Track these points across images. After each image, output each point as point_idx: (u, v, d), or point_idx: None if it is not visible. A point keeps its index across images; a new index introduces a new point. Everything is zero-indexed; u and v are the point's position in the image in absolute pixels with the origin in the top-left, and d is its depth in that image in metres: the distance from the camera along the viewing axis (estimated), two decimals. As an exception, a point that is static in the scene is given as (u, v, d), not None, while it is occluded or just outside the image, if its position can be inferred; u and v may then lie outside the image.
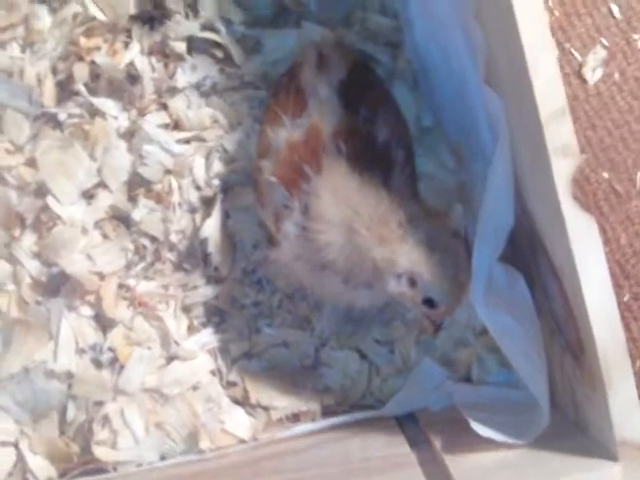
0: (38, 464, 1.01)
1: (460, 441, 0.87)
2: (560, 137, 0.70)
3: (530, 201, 0.82)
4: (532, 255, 0.86)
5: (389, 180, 0.86)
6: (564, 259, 0.74)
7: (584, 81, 1.00)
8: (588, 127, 1.00)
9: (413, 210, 0.85)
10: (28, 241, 1.02)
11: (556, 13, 0.99)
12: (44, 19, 1.02)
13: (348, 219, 0.84)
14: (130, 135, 1.02)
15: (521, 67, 0.70)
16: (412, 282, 0.84)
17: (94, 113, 1.02)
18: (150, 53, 1.03)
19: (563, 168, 0.70)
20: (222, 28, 1.01)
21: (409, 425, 0.98)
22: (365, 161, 0.86)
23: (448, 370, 1.03)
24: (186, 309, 1.03)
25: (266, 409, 1.03)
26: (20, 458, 1.01)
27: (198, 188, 1.02)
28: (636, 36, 1.01)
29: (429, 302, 0.85)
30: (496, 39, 0.78)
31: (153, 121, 1.02)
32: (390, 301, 0.94)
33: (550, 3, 0.99)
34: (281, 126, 0.89)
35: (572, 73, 1.00)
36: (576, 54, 1.00)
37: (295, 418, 1.03)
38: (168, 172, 1.02)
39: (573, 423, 0.87)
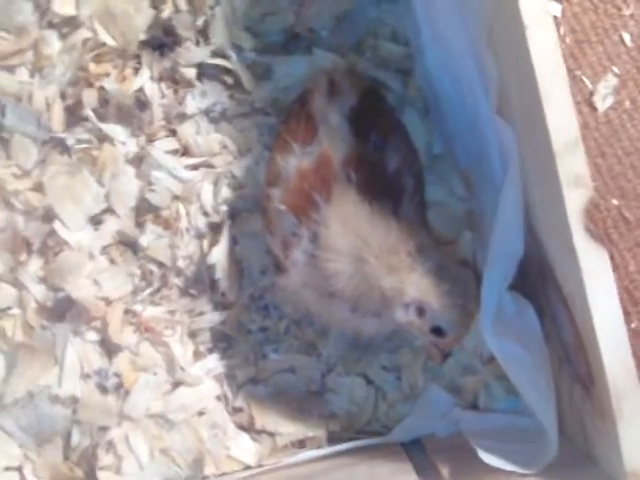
0: (42, 489, 1.00)
1: (467, 468, 0.86)
2: (573, 168, 0.70)
3: (540, 231, 0.82)
4: (542, 284, 0.86)
5: (398, 208, 0.86)
6: (575, 289, 0.74)
7: (594, 109, 1.00)
8: (598, 155, 1.00)
9: (422, 239, 0.85)
10: (34, 266, 1.02)
11: (567, 40, 0.99)
12: (53, 44, 1.02)
13: (357, 248, 0.84)
14: (138, 161, 1.02)
15: (534, 97, 0.70)
16: (420, 311, 0.84)
17: (102, 139, 1.02)
18: (160, 79, 1.03)
19: (575, 199, 0.70)
20: (232, 54, 1.01)
21: (416, 452, 0.98)
22: (375, 190, 0.86)
23: (455, 397, 1.02)
24: (192, 335, 1.02)
25: (272, 435, 1.02)
26: (24, 483, 1.01)
27: (206, 214, 1.02)
28: (648, 64, 1.01)
29: (437, 331, 0.85)
30: (508, 68, 0.78)
31: (162, 147, 1.02)
32: (398, 329, 0.93)
33: (562, 31, 0.99)
34: (291, 153, 0.88)
35: (583, 101, 1.00)
36: (587, 82, 1.00)
37: (301, 444, 1.02)
38: (176, 198, 1.02)
39: (582, 453, 0.86)
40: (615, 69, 1.01)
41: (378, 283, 0.83)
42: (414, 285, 0.83)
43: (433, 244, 0.86)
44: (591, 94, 1.01)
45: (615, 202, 1.01)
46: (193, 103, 1.02)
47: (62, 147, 1.02)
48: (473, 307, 0.85)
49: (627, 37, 1.02)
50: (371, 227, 0.84)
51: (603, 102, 1.01)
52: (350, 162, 0.86)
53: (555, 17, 0.95)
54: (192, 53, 1.01)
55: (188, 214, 1.02)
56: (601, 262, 0.71)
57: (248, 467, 1.02)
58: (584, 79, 1.01)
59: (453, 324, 0.84)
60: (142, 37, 1.02)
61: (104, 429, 1.00)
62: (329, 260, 0.84)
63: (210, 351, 1.03)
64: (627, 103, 1.01)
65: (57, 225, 1.01)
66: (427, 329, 0.85)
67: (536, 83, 0.70)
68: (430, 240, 0.87)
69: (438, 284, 0.83)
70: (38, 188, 1.02)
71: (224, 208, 1.02)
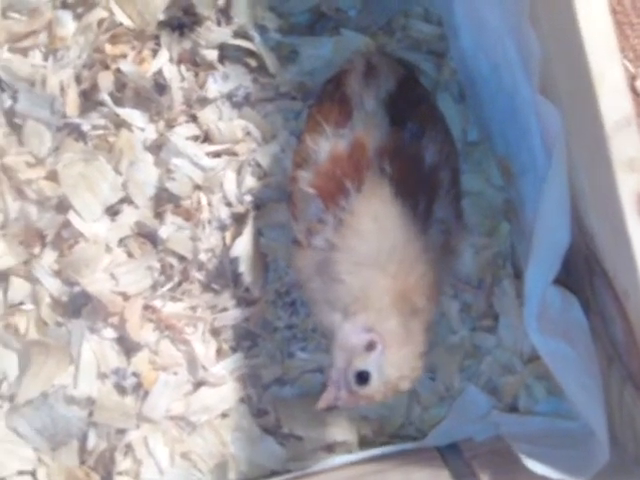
0: (57, 494, 0.98)
1: (507, 475, 0.85)
2: (626, 150, 0.65)
3: (589, 220, 0.78)
4: (588, 278, 0.82)
5: (432, 205, 0.83)
6: (628, 281, 0.70)
7: (637, 94, 0.96)
8: (640, 141, 0.96)
9: (434, 284, 0.82)
10: (48, 259, 0.99)
11: (608, 22, 0.95)
12: (68, 25, 1.00)
13: (377, 250, 0.80)
14: (157, 148, 0.99)
15: (583, 74, 0.66)
16: (371, 346, 0.79)
17: (119, 124, 1.00)
18: (179, 61, 1.00)
19: (629, 183, 0.65)
20: (256, 35, 0.99)
21: (452, 457, 0.95)
22: (409, 185, 0.82)
23: (493, 398, 0.99)
24: (215, 332, 1.00)
25: (299, 439, 0.99)
26: (38, 487, 0.99)
27: (229, 204, 0.99)
28: (691, 46, 0.97)
29: (362, 377, 0.80)
30: (553, 45, 0.74)
31: (182, 133, 0.99)
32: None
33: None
34: (322, 135, 0.85)
35: (625, 86, 0.96)
36: (629, 65, 0.96)
37: (330, 449, 0.99)
38: (197, 187, 0.99)
39: (633, 458, 0.83)
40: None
41: (371, 293, 0.80)
42: (393, 324, 0.79)
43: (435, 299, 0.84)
44: (633, 79, 0.97)
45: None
46: (214, 87, 1.00)
47: (77, 133, 1.00)
48: (405, 387, 0.81)
49: (671, 18, 0.97)
50: (399, 234, 0.81)
51: (646, 86, 0.97)
52: (385, 152, 0.83)
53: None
54: (213, 34, 0.99)
55: (210, 204, 0.99)
56: (659, 252, 0.67)
57: (274, 473, 0.99)
58: (626, 63, 0.97)
59: (382, 384, 0.80)
60: (161, 17, 0.99)
61: (122, 432, 0.98)
62: (346, 242, 0.81)
63: (234, 350, 1.00)
64: (671, 88, 0.97)
65: (72, 216, 0.98)
66: (357, 366, 0.80)
67: (587, 59, 0.65)
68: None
69: (406, 342, 0.80)
70: (52, 177, 0.99)
71: (248, 198, 0.99)
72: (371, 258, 0.80)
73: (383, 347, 0.79)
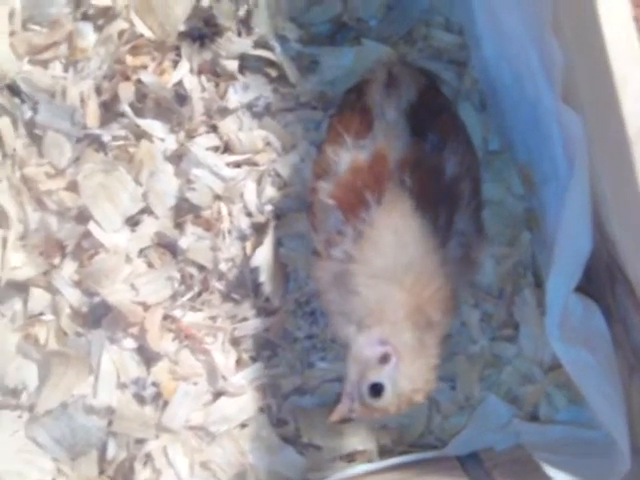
0: (76, 504, 0.98)
1: None
2: (649, 157, 0.65)
3: (611, 228, 0.77)
4: (610, 286, 0.82)
5: (453, 217, 0.82)
6: (650, 289, 0.69)
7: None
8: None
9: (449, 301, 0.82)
10: (68, 269, 0.99)
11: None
12: (88, 37, 1.00)
13: (395, 264, 0.80)
14: (178, 158, 0.99)
15: (606, 81, 0.66)
16: (385, 359, 0.79)
17: (140, 135, 1.00)
18: (200, 72, 1.00)
19: (653, 191, 0.65)
20: (276, 45, 0.98)
21: (473, 466, 0.95)
22: (430, 197, 0.82)
23: (514, 407, 0.99)
24: (235, 342, 0.99)
25: (318, 448, 0.99)
26: (57, 498, 0.98)
27: (249, 214, 0.99)
28: None
29: (375, 390, 0.79)
30: (576, 53, 0.74)
31: (202, 143, 0.99)
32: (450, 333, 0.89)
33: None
34: (343, 146, 0.85)
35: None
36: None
37: (350, 458, 0.99)
38: (217, 197, 0.99)
39: None
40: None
41: (387, 305, 0.80)
42: (408, 337, 0.79)
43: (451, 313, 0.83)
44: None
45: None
46: (235, 97, 0.99)
47: (97, 144, 1.00)
48: (420, 400, 0.81)
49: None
50: (417, 249, 0.80)
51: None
52: (405, 164, 0.82)
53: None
54: (234, 44, 0.98)
55: (230, 214, 0.99)
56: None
57: None
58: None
59: (396, 397, 0.79)
60: (181, 28, 0.99)
61: (141, 441, 0.98)
62: (365, 255, 0.81)
63: (253, 359, 1.00)
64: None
65: (92, 226, 0.98)
66: (371, 379, 0.79)
67: (609, 64, 0.65)
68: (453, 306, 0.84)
69: (420, 355, 0.79)
70: (72, 187, 0.99)
71: (268, 208, 0.99)
72: (388, 271, 0.80)
73: (397, 360, 0.79)
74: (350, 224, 0.82)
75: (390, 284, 0.80)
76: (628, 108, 0.65)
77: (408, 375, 0.79)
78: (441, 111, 0.89)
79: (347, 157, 0.84)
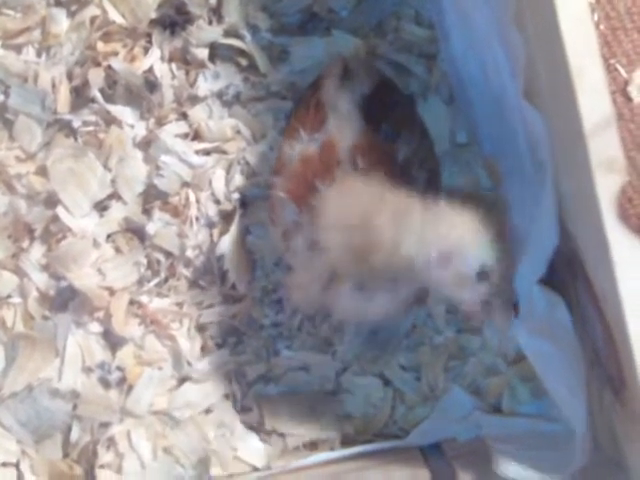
0: (39, 486, 0.98)
1: (488, 475, 0.83)
2: (605, 151, 0.65)
3: (571, 222, 0.77)
4: (572, 280, 0.82)
5: None
6: (606, 285, 0.69)
7: (629, 99, 0.95)
8: (633, 148, 0.95)
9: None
10: (36, 253, 0.99)
11: (601, 27, 0.95)
12: (61, 22, 0.99)
13: (363, 217, 0.77)
14: (147, 145, 0.99)
15: (564, 74, 0.66)
16: (445, 259, 0.74)
17: (110, 121, 0.99)
18: (170, 59, 1.00)
19: (608, 185, 0.65)
20: (247, 34, 0.98)
21: (434, 456, 0.94)
22: (382, 177, 0.80)
23: (477, 399, 0.99)
24: (201, 328, 0.99)
25: (282, 436, 0.99)
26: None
27: (217, 202, 0.99)
28: (686, 53, 0.97)
29: (481, 273, 0.75)
30: (537, 47, 0.74)
31: (172, 131, 0.99)
32: (414, 316, 0.88)
33: (595, 17, 0.95)
34: (298, 141, 0.85)
35: (617, 91, 0.95)
36: (622, 71, 0.96)
37: (313, 446, 0.99)
38: (186, 184, 0.99)
39: (613, 462, 0.83)
40: (652, 57, 0.97)
41: (394, 247, 0.75)
42: (445, 228, 0.75)
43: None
44: (626, 84, 0.96)
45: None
46: (205, 85, 0.99)
47: (68, 129, 1.00)
48: (509, 246, 0.76)
49: (665, 23, 0.97)
50: (377, 195, 0.78)
51: (639, 92, 0.97)
52: (357, 148, 0.82)
53: (590, 3, 0.91)
54: (204, 32, 0.98)
55: (198, 201, 0.99)
56: (635, 254, 0.66)
57: (256, 469, 0.99)
58: (619, 68, 0.96)
59: (497, 260, 0.75)
60: (152, 15, 0.98)
61: (105, 425, 0.98)
62: (327, 232, 0.78)
63: (219, 346, 1.00)
64: (664, 93, 0.97)
65: (60, 211, 0.98)
66: (471, 275, 0.75)
67: (566, 58, 0.65)
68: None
69: (471, 221, 0.75)
70: (42, 172, 0.99)
71: (236, 196, 0.99)
72: (353, 227, 0.77)
73: (455, 246, 0.74)
74: (305, 214, 0.81)
75: (370, 229, 0.76)
76: (584, 102, 0.65)
77: (485, 240, 0.75)
78: (395, 105, 0.89)
79: (300, 150, 0.84)
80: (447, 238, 0.75)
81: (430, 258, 0.75)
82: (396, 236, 0.75)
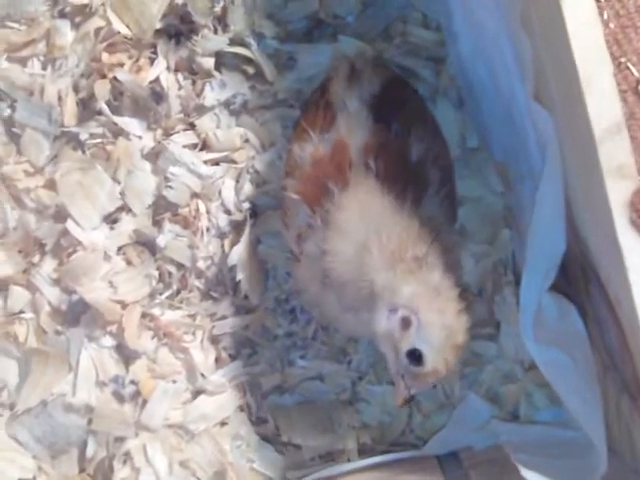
0: (56, 502, 0.98)
1: None
2: (616, 156, 0.64)
3: (584, 227, 0.76)
4: (585, 285, 0.81)
5: (421, 200, 0.80)
6: (620, 289, 0.68)
7: (641, 97, 0.95)
8: (645, 148, 0.94)
9: (436, 246, 0.79)
10: (47, 267, 0.99)
11: (611, 26, 0.93)
12: (66, 34, 0.99)
13: (364, 235, 0.78)
14: (155, 156, 0.99)
15: (573, 79, 0.65)
16: (406, 323, 0.75)
17: (117, 133, 0.99)
18: (176, 69, 0.99)
19: (619, 190, 0.64)
20: (253, 43, 0.98)
21: (451, 465, 0.94)
22: (396, 179, 0.80)
23: (494, 407, 0.98)
24: (214, 340, 0.99)
25: (298, 447, 0.99)
26: (38, 495, 0.98)
27: (227, 212, 0.99)
28: (697, 50, 0.95)
29: (415, 356, 0.76)
30: (545, 50, 0.73)
31: (179, 141, 0.99)
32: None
33: (605, 15, 0.93)
34: (308, 142, 0.85)
35: (629, 89, 0.94)
36: (633, 69, 0.94)
37: (329, 457, 0.99)
38: (195, 195, 0.99)
39: (632, 470, 0.81)
40: (663, 55, 0.95)
41: (372, 276, 0.77)
42: (411, 289, 0.75)
43: (442, 256, 0.79)
44: (637, 82, 0.95)
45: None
46: (212, 94, 0.99)
47: (75, 142, 1.00)
48: (463, 343, 0.77)
49: (676, 20, 0.96)
50: (385, 217, 0.78)
51: (651, 91, 0.96)
52: (369, 149, 0.82)
53: (598, 1, 0.90)
54: (210, 41, 0.98)
55: (208, 212, 0.99)
56: (648, 259, 0.65)
57: None
58: (630, 66, 0.95)
59: (436, 352, 0.75)
60: (157, 25, 0.98)
61: (121, 440, 0.98)
62: (332, 239, 0.79)
63: (233, 357, 1.00)
64: (677, 92, 0.95)
65: (70, 224, 0.98)
66: (404, 348, 0.76)
67: (575, 63, 0.64)
68: (449, 244, 0.80)
69: (435, 300, 0.75)
70: (50, 185, 0.99)
71: (247, 205, 0.99)
72: (355, 242, 0.78)
73: (417, 317, 0.75)
74: (318, 215, 0.81)
75: (365, 251, 0.77)
76: (593, 109, 0.64)
77: (434, 322, 0.75)
78: (406, 102, 0.88)
79: (311, 151, 0.84)
80: (412, 299, 0.75)
81: (389, 304, 0.76)
82: (377, 267, 0.77)
